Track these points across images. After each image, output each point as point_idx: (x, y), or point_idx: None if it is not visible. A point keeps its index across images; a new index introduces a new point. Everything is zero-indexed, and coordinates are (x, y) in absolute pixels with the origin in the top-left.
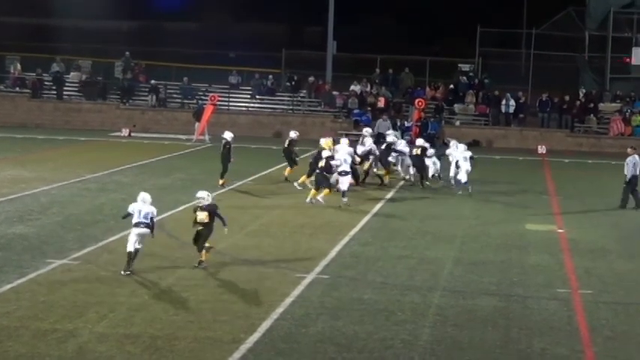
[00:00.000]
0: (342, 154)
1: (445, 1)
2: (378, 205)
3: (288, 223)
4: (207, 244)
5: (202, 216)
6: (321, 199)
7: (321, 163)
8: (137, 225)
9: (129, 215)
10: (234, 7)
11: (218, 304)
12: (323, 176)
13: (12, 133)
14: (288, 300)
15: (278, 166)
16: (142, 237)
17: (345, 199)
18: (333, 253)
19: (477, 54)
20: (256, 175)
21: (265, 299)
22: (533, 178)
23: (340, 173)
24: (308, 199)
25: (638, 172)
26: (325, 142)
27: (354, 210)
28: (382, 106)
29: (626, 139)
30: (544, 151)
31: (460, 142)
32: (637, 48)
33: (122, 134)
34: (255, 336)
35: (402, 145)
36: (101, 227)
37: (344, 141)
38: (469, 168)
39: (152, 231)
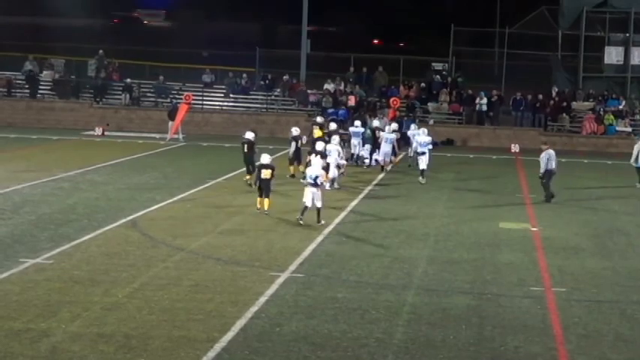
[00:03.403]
0: (423, 137)
1: (419, 0)
2: (353, 203)
3: (262, 221)
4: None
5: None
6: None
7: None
8: (308, 185)
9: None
10: (208, 5)
11: (192, 303)
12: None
13: None
14: (263, 299)
15: None
16: (313, 195)
17: (422, 179)
18: (307, 252)
19: (451, 53)
20: (230, 174)
21: (239, 298)
22: (507, 177)
23: (419, 153)
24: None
25: (553, 167)
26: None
27: (328, 207)
28: (353, 104)
29: (599, 138)
30: (517, 150)
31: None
32: (609, 47)
33: (95, 133)
34: (230, 335)
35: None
36: (74, 226)
37: (423, 130)
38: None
39: (319, 186)
